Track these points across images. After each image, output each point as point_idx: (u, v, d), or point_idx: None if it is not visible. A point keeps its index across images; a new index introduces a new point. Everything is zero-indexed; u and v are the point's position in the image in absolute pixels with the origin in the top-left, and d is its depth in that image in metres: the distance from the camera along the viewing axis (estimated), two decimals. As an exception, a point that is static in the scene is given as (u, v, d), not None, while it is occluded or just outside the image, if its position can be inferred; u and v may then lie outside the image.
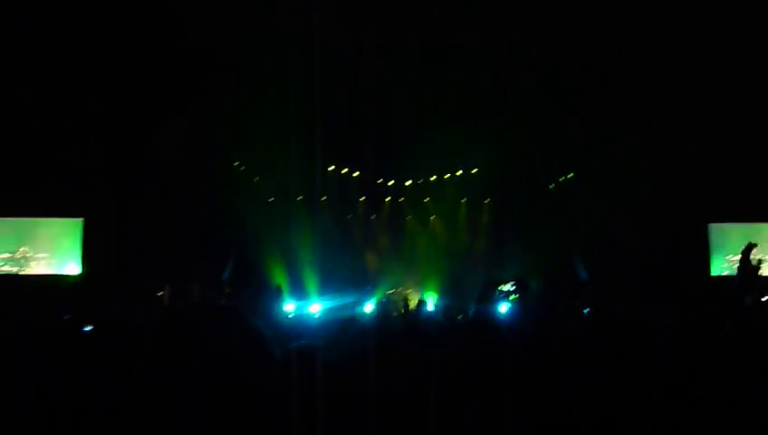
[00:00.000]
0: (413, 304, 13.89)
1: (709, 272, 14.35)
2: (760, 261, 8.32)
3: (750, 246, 8.41)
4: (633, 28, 10.99)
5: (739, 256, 8.59)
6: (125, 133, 12.47)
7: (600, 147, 13.34)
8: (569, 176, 15.13)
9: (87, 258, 13.30)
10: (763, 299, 8.51)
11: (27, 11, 10.58)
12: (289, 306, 12.62)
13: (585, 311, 7.98)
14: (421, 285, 14.99)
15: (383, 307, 12.85)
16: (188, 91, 12.09)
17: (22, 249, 13.11)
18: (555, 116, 12.46)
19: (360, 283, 14.40)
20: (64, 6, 10.73)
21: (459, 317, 9.57)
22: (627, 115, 12.66)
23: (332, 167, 15.33)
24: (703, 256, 14.41)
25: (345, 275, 14.22)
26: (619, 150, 13.32)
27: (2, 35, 10.52)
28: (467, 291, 12.45)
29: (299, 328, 7.19)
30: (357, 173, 15.57)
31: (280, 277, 13.63)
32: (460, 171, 15.69)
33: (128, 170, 12.70)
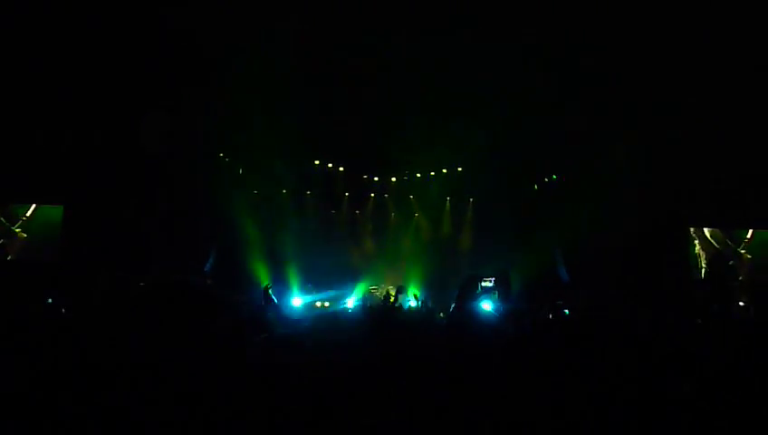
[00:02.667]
0: (394, 300, 13.92)
1: (690, 275, 14.52)
2: (730, 268, 8.38)
3: (718, 258, 8.47)
4: (619, 32, 11.05)
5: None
6: (109, 123, 12.34)
7: (583, 149, 13.43)
8: (552, 177, 15.22)
9: (66, 245, 13.15)
10: (740, 303, 8.60)
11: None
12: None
13: (566, 311, 8.03)
14: (404, 282, 15.01)
15: (365, 303, 12.87)
16: (174, 82, 11.99)
17: None
18: (540, 117, 12.52)
19: (343, 278, 14.41)
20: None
21: (441, 314, 9.62)
22: (610, 118, 12.75)
23: (318, 161, 15.30)
24: (683, 259, 14.57)
25: (328, 269, 14.22)
26: (603, 153, 13.41)
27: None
28: (450, 288, 12.51)
29: (280, 319, 7.19)
30: (342, 168, 15.55)
31: (262, 271, 13.58)
32: (445, 169, 15.72)
33: (111, 160, 12.58)
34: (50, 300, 5.55)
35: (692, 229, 14.90)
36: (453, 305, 3.43)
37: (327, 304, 12.81)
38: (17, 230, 13.30)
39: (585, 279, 12.95)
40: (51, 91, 11.65)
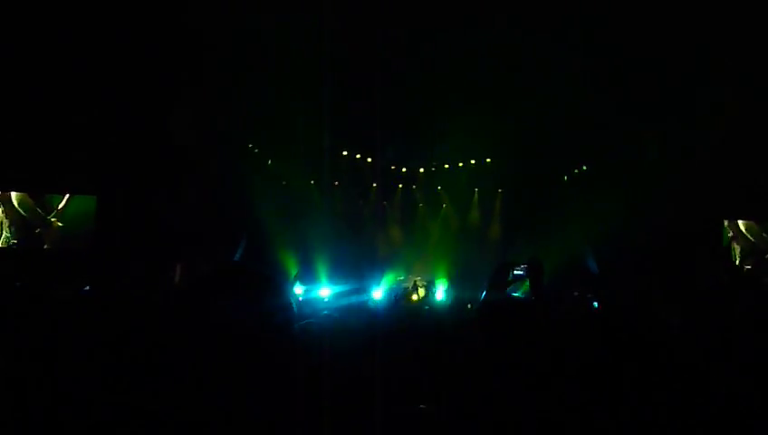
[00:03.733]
0: (422, 291, 13.94)
1: (725, 269, 14.22)
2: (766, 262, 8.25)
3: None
4: (649, 22, 10.84)
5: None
6: (140, 114, 12.50)
7: (614, 140, 13.23)
8: (583, 168, 15.03)
9: (99, 235, 13.40)
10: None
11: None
12: (298, 290, 12.65)
13: (595, 304, 7.93)
14: (432, 273, 14.99)
15: (393, 294, 12.88)
16: (204, 72, 12.09)
17: None
18: (570, 108, 12.36)
19: (371, 269, 14.43)
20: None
21: (469, 306, 9.59)
22: (643, 108, 12.53)
23: (345, 152, 15.33)
24: (718, 252, 14.29)
25: (356, 260, 14.25)
26: (634, 144, 13.20)
27: (21, 15, 10.56)
28: (478, 280, 12.46)
29: (308, 310, 7.23)
30: (370, 159, 15.56)
31: (290, 261, 13.67)
32: (473, 160, 15.63)
33: (141, 151, 12.76)
34: (87, 287, 5.67)
35: (726, 222, 14.60)
36: (483, 293, 3.38)
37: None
38: (53, 220, 13.59)
39: (615, 272, 12.78)
40: (83, 85, 11.84)
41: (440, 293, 14.07)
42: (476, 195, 16.18)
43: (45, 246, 13.49)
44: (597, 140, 13.47)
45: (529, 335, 2.77)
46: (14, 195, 13.35)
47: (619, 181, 12.81)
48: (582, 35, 11.18)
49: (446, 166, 15.84)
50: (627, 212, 12.17)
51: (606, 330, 3.24)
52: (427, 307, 9.31)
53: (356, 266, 14.02)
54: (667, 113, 12.48)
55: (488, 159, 15.43)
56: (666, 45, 11.15)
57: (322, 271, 13.96)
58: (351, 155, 15.39)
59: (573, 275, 12.13)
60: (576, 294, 10.84)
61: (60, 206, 13.66)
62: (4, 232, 13.28)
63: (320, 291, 12.96)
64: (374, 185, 16.00)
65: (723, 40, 10.82)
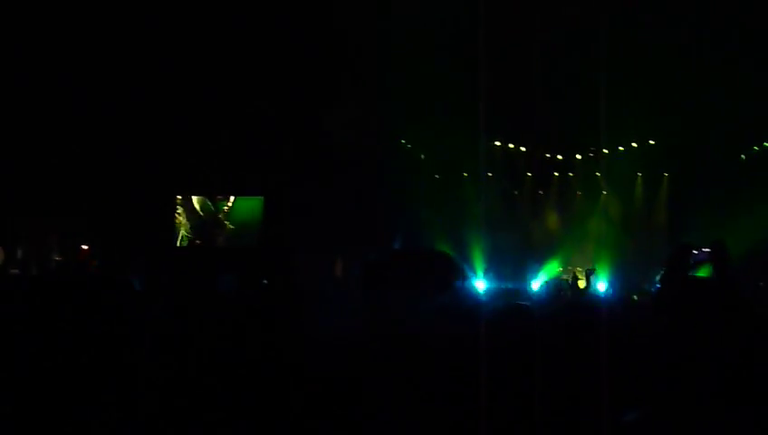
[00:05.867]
0: (582, 283, 13.42)
1: None
2: None
3: None
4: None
5: None
6: (300, 120, 13.29)
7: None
8: (764, 144, 13.62)
9: (266, 233, 14.47)
10: None
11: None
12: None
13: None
14: (592, 264, 14.37)
15: (550, 287, 12.54)
16: (357, 73, 12.52)
17: None
18: (745, 76, 11.23)
19: (527, 261, 14.16)
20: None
21: (634, 298, 9.07)
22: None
23: (498, 142, 15.15)
24: None
25: (511, 252, 14.05)
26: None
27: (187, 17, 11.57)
28: (642, 270, 11.77)
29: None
30: (524, 148, 15.26)
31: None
32: (635, 144, 14.74)
33: (302, 152, 13.55)
34: (265, 281, 6.07)
35: None
36: (659, 281, 3.15)
37: None
38: (226, 221, 14.90)
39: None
40: (249, 95, 12.77)
41: (602, 284, 13.47)
42: (639, 180, 15.25)
43: (219, 245, 14.84)
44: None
45: (720, 322, 2.53)
46: (194, 199, 14.79)
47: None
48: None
49: (605, 151, 15.06)
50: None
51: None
52: (588, 300, 8.93)
53: (512, 259, 13.81)
54: None
55: (651, 142, 14.46)
56: None
57: (478, 264, 13.89)
58: (504, 145, 15.19)
59: (758, 263, 11.04)
60: (761, 284, 9.92)
61: (228, 207, 14.93)
62: (182, 232, 14.75)
63: (476, 284, 12.91)
64: (528, 174, 15.66)
65: None
